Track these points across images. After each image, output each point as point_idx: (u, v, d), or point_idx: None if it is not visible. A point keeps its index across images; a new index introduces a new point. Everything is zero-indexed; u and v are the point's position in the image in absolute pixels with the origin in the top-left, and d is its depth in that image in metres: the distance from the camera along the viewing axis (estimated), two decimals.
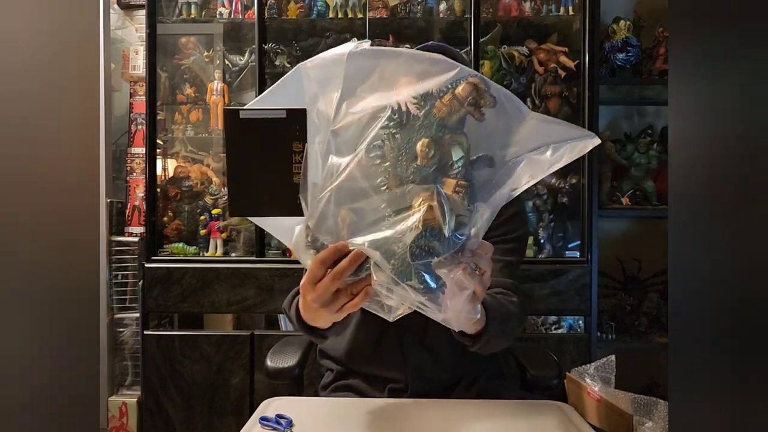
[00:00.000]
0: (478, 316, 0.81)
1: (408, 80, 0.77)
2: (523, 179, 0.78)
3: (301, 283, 0.84)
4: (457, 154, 0.75)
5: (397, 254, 0.73)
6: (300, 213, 0.78)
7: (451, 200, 0.74)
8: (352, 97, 0.77)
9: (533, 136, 0.78)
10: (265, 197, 0.78)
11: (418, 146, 0.74)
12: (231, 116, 0.76)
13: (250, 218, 0.82)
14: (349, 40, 2.02)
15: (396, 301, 0.78)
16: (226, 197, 2.27)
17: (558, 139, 0.78)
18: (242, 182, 0.78)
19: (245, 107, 0.77)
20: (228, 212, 0.89)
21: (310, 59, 0.80)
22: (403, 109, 0.75)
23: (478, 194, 0.76)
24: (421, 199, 0.74)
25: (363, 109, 0.77)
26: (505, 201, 0.79)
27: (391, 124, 0.75)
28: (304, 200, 0.78)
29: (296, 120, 0.76)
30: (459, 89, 0.74)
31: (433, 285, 0.74)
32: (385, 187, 0.75)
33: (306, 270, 0.83)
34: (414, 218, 0.73)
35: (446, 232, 0.73)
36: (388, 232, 0.74)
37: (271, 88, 0.81)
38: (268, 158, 0.77)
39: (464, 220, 0.75)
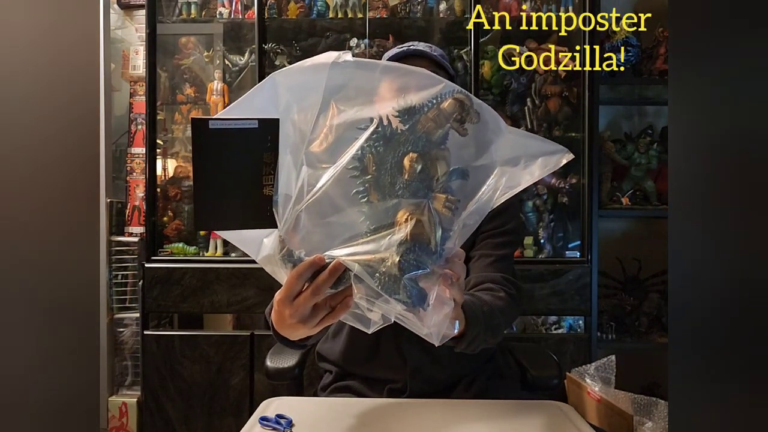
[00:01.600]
0: (455, 332, 0.80)
1: (392, 94, 0.76)
2: (498, 192, 0.77)
3: (276, 298, 0.81)
4: (442, 169, 0.74)
5: (383, 268, 0.72)
6: (271, 225, 0.76)
7: (441, 215, 0.73)
8: (327, 109, 0.76)
9: (509, 150, 0.77)
10: (235, 209, 0.75)
11: (406, 161, 0.73)
12: (200, 126, 0.72)
13: (218, 231, 0.78)
14: (349, 40, 2.05)
15: (376, 315, 0.77)
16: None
17: (533, 153, 0.77)
18: (210, 194, 0.74)
19: (215, 117, 0.74)
20: (194, 225, 0.86)
21: (284, 69, 0.78)
22: (385, 123, 0.74)
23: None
24: (407, 214, 0.73)
25: (342, 122, 0.75)
26: (482, 215, 0.77)
27: (374, 137, 0.74)
28: (276, 212, 0.75)
29: (268, 130, 0.73)
30: (445, 105, 0.74)
31: (419, 299, 0.73)
32: (365, 200, 0.74)
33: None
34: (402, 233, 0.72)
35: (433, 247, 0.73)
36: (368, 246, 0.73)
37: (243, 96, 0.78)
38: (238, 170, 0.74)
39: (449, 234, 0.75)
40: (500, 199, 0.77)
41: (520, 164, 0.77)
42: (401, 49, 1.27)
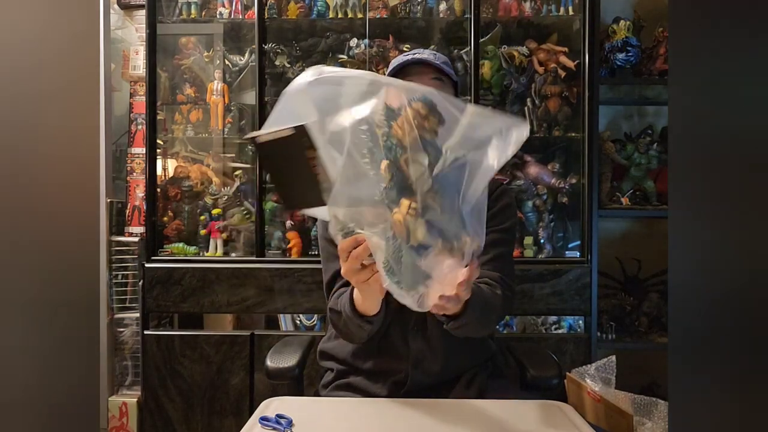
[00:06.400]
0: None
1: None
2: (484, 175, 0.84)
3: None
4: (417, 171, 0.82)
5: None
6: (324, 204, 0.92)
7: (405, 221, 0.82)
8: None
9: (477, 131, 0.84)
10: (302, 194, 0.96)
11: (382, 167, 0.82)
12: (253, 143, 0.89)
13: (298, 211, 0.95)
14: (349, 40, 2.11)
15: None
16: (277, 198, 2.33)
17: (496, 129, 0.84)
18: (283, 186, 1.01)
19: (261, 132, 0.92)
20: (285, 208, 1.06)
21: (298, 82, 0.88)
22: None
23: (452, 198, 0.83)
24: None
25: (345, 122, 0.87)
26: (478, 193, 0.84)
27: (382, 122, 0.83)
28: (328, 193, 0.90)
29: (302, 133, 0.89)
30: (407, 113, 0.82)
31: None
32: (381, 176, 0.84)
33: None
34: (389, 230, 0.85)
35: (412, 242, 0.84)
36: (379, 235, 0.87)
37: (275, 110, 0.92)
38: (293, 165, 0.93)
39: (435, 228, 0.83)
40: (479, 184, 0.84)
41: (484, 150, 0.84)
42: (405, 59, 1.32)
